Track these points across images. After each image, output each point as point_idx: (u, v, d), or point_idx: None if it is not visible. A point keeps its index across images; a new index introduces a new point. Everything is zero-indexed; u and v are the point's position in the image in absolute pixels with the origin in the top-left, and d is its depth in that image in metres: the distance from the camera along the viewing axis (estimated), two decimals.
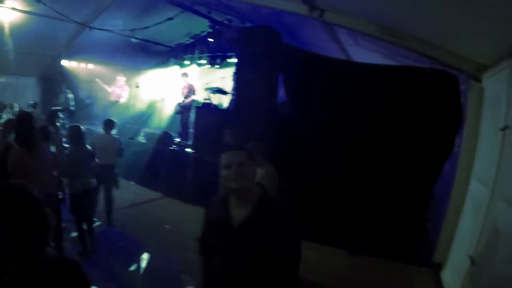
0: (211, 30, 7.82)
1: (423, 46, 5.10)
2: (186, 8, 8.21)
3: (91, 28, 9.48)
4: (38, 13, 8.61)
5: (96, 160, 5.46)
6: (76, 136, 5.06)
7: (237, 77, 7.28)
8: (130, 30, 8.96)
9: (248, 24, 8.61)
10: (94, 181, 5.22)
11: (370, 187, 5.90)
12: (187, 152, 8.06)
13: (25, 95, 13.41)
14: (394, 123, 5.81)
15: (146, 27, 8.58)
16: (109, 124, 6.39)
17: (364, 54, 7.16)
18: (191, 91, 9.78)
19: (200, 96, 10.07)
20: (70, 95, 10.66)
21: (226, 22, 7.95)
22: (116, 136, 6.51)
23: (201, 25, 9.16)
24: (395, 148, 5.80)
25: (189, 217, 6.63)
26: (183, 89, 9.82)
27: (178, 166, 7.94)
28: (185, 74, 10.08)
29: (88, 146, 5.24)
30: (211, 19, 7.84)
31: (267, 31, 6.85)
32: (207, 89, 9.46)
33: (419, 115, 5.57)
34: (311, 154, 6.33)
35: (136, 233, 6.09)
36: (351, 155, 6.06)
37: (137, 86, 12.01)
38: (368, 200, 5.87)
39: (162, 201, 7.92)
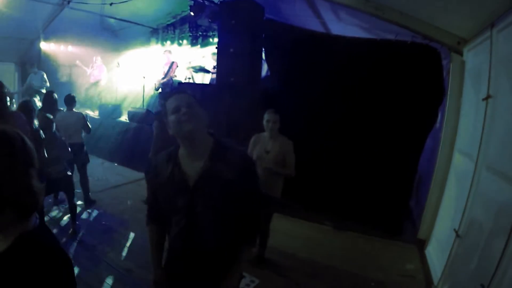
0: (192, 4, 7.62)
1: (405, 19, 5.07)
2: None
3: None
4: None
5: (62, 138, 5.19)
6: (45, 124, 4.79)
7: (219, 50, 7.20)
8: (109, 4, 8.62)
9: None
10: (66, 168, 5.04)
11: (354, 161, 5.95)
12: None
13: (3, 81, 13.01)
14: (377, 97, 5.83)
15: (124, 1, 8.34)
16: (69, 100, 6.01)
17: (345, 29, 7.15)
18: (172, 67, 9.67)
19: (183, 75, 10.02)
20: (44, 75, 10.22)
21: None
22: (79, 111, 6.25)
23: (182, 5, 9.01)
24: (377, 123, 5.84)
25: None
26: (164, 65, 9.69)
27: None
28: (167, 51, 9.96)
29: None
30: None
31: (248, 4, 6.79)
32: (189, 68, 9.36)
33: (401, 89, 5.59)
34: (294, 128, 6.30)
35: (119, 214, 5.93)
36: (334, 129, 6.07)
37: (118, 66, 11.74)
38: (351, 175, 5.93)
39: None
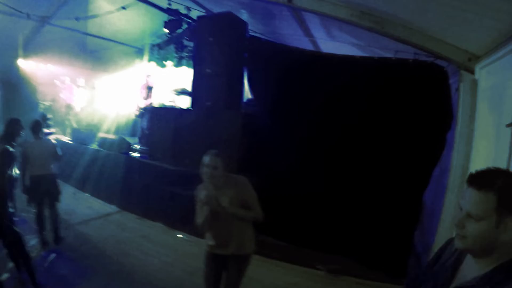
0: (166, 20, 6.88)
1: (408, 33, 4.58)
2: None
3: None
4: None
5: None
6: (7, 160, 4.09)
7: (195, 71, 6.42)
8: (75, 18, 8.22)
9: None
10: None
11: (351, 195, 5.23)
12: (142, 159, 7.10)
13: None
14: (376, 124, 5.12)
15: (95, 16, 7.66)
16: (36, 126, 5.24)
17: (338, 47, 6.39)
18: (150, 92, 8.88)
19: (165, 99, 9.28)
20: None
21: (184, 11, 7.04)
22: (48, 139, 5.51)
23: None
24: (377, 153, 5.11)
25: (145, 235, 5.89)
26: (142, 89, 8.90)
27: (134, 175, 7.00)
28: (148, 75, 9.15)
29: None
30: (167, 10, 6.92)
31: (229, 18, 6.04)
32: (172, 91, 8.60)
33: (404, 113, 4.94)
34: (282, 160, 5.57)
35: (82, 257, 5.04)
36: (327, 160, 5.37)
37: (94, 88, 11.03)
38: (348, 209, 5.23)
39: (117, 215, 6.94)
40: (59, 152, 5.44)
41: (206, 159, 2.90)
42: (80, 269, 4.66)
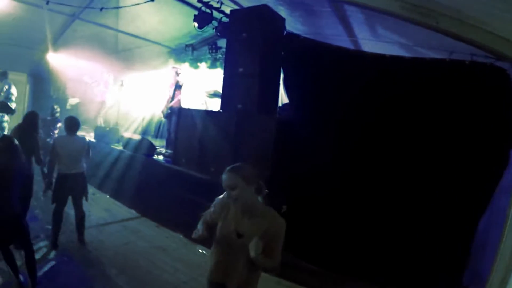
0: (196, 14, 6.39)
1: (467, 29, 4.00)
2: None
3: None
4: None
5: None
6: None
7: (226, 70, 5.88)
8: (99, 9, 7.91)
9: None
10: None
11: (396, 218, 4.57)
12: (165, 164, 6.63)
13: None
14: (427, 136, 4.48)
15: (120, 7, 7.68)
16: (72, 123, 5.04)
17: (381, 48, 5.78)
18: (179, 91, 8.46)
19: (197, 101, 9.07)
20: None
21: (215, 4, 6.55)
22: (83, 137, 5.35)
23: None
24: (427, 170, 4.44)
25: (162, 246, 5.40)
26: (170, 89, 8.45)
27: (156, 180, 6.54)
28: (175, 68, 8.72)
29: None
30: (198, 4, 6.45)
31: (265, 12, 5.47)
32: (204, 93, 8.16)
33: (458, 124, 4.29)
34: (320, 174, 4.92)
35: (89, 265, 4.59)
36: (371, 178, 4.71)
37: (122, 85, 10.76)
38: (389, 235, 4.57)
39: (135, 222, 6.47)
40: (90, 151, 5.29)
41: (224, 177, 2.33)
42: (83, 279, 4.21)
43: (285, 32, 5.79)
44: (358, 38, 6.78)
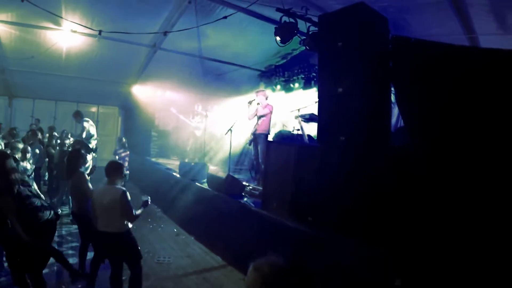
0: (277, 27, 5.50)
1: None
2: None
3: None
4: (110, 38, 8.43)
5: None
6: None
7: (320, 91, 4.76)
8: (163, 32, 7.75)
9: None
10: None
11: None
12: (252, 208, 5.66)
13: (106, 124, 13.24)
14: None
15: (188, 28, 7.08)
16: (112, 169, 4.00)
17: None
18: (267, 115, 7.51)
19: (291, 125, 8.37)
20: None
21: (299, 12, 5.55)
22: (118, 187, 3.94)
23: (292, 43, 6.99)
24: None
25: None
26: (257, 113, 7.60)
27: (244, 226, 5.60)
28: (261, 92, 7.83)
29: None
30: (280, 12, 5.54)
31: (362, 13, 4.28)
32: (297, 116, 7.18)
33: None
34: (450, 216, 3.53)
35: None
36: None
37: (206, 115, 10.37)
38: None
39: (220, 272, 5.55)
40: (129, 205, 3.86)
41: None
42: None
43: (390, 36, 4.53)
44: (478, 34, 5.60)
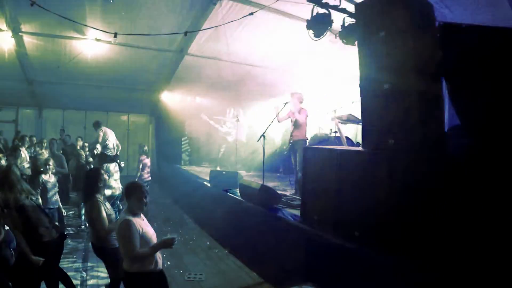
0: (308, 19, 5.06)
1: None
2: None
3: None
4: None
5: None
6: None
7: (363, 88, 4.23)
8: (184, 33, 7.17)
9: None
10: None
11: None
12: (291, 222, 5.12)
13: (137, 133, 13.24)
14: None
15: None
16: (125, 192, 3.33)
17: None
18: (303, 119, 6.93)
19: (327, 128, 8.17)
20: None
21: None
22: (124, 217, 3.15)
23: None
24: None
25: None
26: (292, 116, 7.01)
27: (283, 241, 5.11)
28: (297, 98, 7.14)
29: None
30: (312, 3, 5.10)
31: None
32: (334, 118, 6.80)
33: None
34: None
35: None
36: None
37: (237, 120, 9.96)
38: None
39: None
40: (126, 240, 3.03)
41: None
42: None
43: (437, 24, 3.98)
44: None
